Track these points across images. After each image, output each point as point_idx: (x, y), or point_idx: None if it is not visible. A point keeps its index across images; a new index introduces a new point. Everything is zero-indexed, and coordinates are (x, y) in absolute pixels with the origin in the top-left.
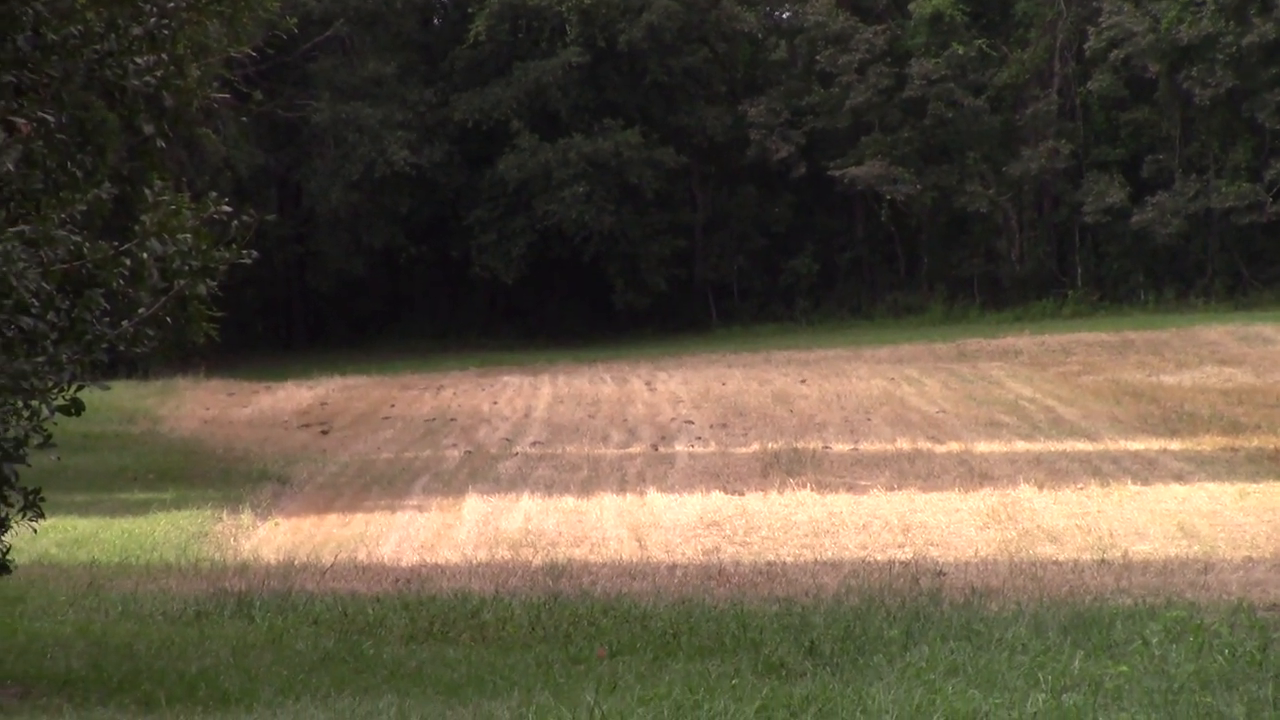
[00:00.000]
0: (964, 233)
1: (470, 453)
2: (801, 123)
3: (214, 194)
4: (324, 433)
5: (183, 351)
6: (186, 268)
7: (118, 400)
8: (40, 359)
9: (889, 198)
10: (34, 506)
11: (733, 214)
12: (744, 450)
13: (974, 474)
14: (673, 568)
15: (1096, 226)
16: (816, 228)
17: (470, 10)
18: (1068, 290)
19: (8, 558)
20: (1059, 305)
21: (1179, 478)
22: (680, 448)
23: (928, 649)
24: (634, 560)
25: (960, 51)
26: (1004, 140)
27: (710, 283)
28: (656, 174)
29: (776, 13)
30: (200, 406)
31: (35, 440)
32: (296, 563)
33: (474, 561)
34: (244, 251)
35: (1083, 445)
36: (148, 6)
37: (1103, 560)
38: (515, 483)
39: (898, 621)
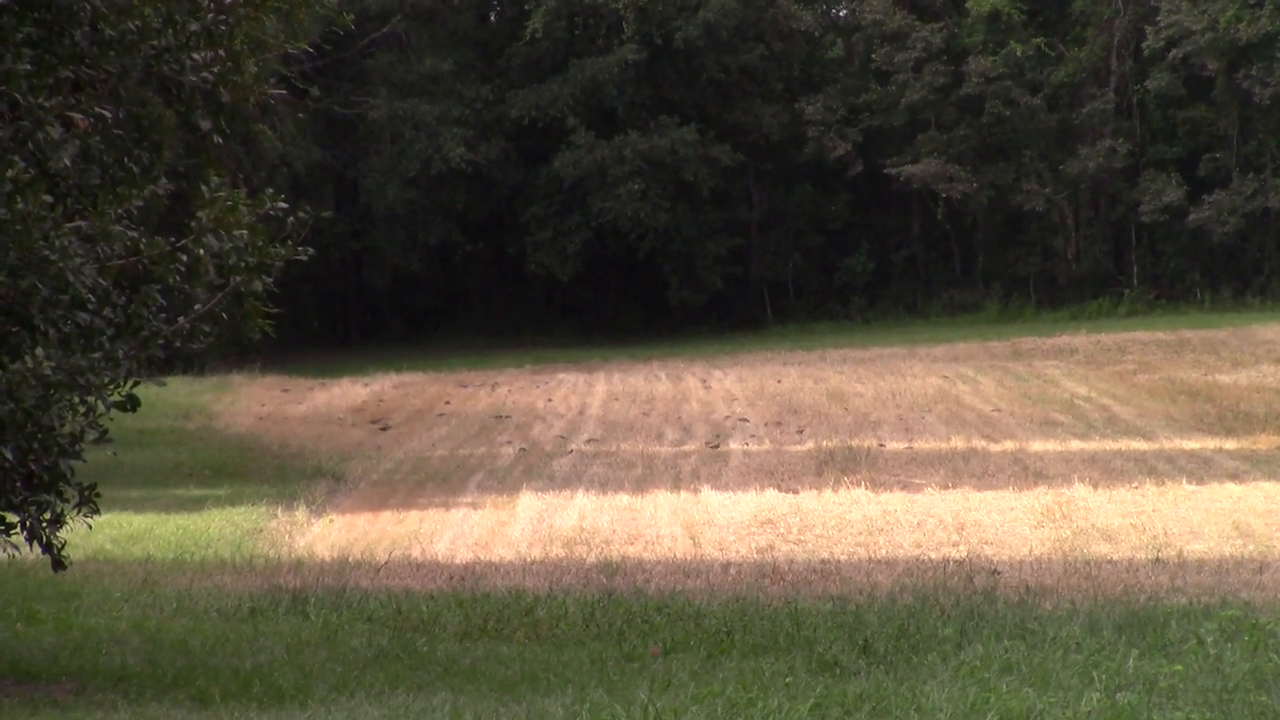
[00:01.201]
0: (1020, 231)
1: (525, 450)
2: (858, 120)
3: (270, 190)
4: (383, 429)
5: (238, 348)
6: (243, 264)
7: (173, 396)
8: (96, 355)
9: (945, 196)
10: (89, 502)
11: (789, 212)
12: (798, 448)
13: (1029, 472)
14: (727, 565)
15: (1153, 225)
16: (872, 226)
17: (527, 7)
18: (1124, 289)
19: (63, 553)
20: (1115, 304)
21: (1234, 477)
22: (735, 445)
23: (982, 647)
24: (688, 558)
25: (1017, 50)
26: (1060, 139)
27: (766, 280)
28: (712, 171)
29: (833, 10)
30: (255, 403)
31: (91, 436)
32: (351, 559)
33: (528, 559)
34: (300, 248)
35: (1138, 444)
36: (205, 2)
37: (1157, 559)
38: (570, 480)
39: (952, 620)
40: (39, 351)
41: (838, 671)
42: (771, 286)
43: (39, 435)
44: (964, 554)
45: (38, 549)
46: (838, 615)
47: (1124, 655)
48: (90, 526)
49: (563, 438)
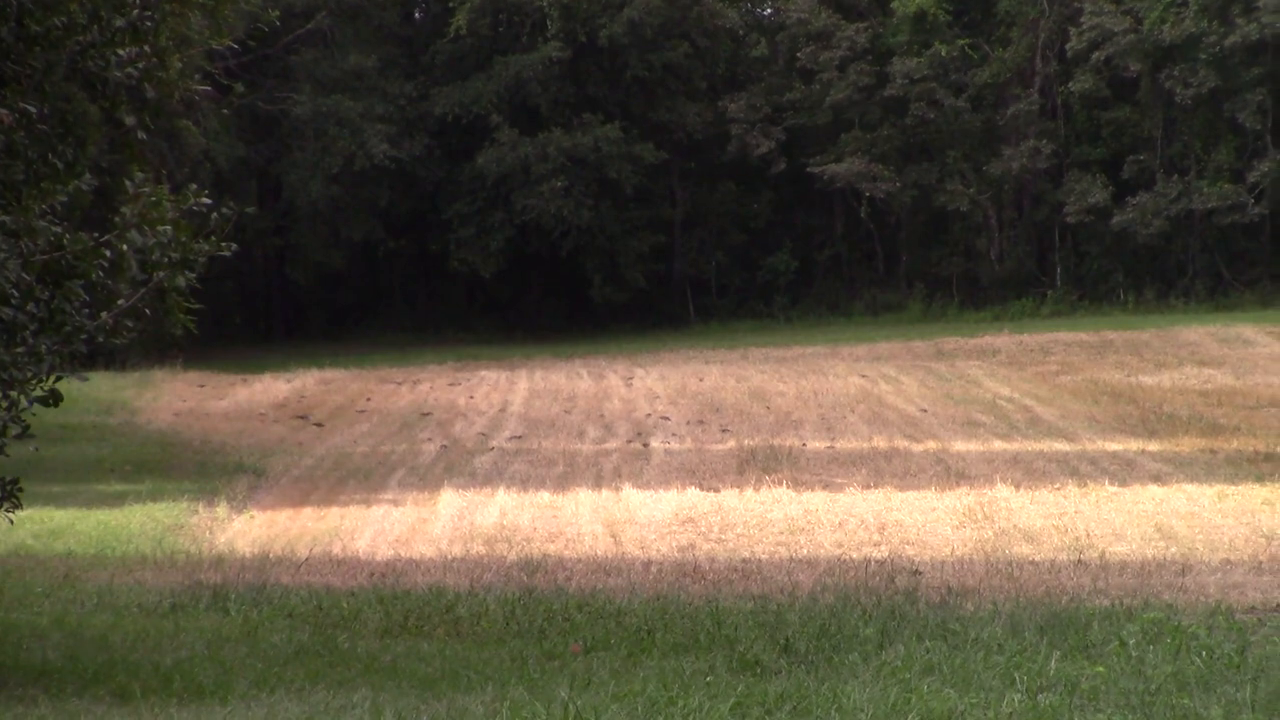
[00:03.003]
0: (943, 231)
1: (446, 447)
2: (781, 119)
3: (194, 186)
4: (317, 425)
5: (161, 343)
6: (166, 260)
7: (95, 391)
8: (19, 350)
9: (868, 195)
10: (11, 497)
11: (712, 210)
12: (720, 447)
13: (951, 473)
14: (648, 564)
15: (1077, 226)
16: (796, 225)
17: (451, 4)
18: (1047, 290)
19: None
20: (1038, 305)
21: (1157, 479)
22: (656, 444)
23: (903, 648)
24: (609, 556)
25: (942, 51)
26: (985, 139)
27: (689, 279)
28: (636, 169)
29: (758, 9)
30: (177, 398)
31: (13, 431)
32: (272, 556)
33: (449, 556)
34: (223, 244)
35: (1060, 445)
36: None
37: (1080, 561)
38: (491, 477)
39: (873, 620)
40: None
41: (759, 671)
42: (694, 284)
43: None
44: (886, 554)
45: None
46: (759, 614)
47: (1046, 657)
48: (11, 522)
49: (484, 435)
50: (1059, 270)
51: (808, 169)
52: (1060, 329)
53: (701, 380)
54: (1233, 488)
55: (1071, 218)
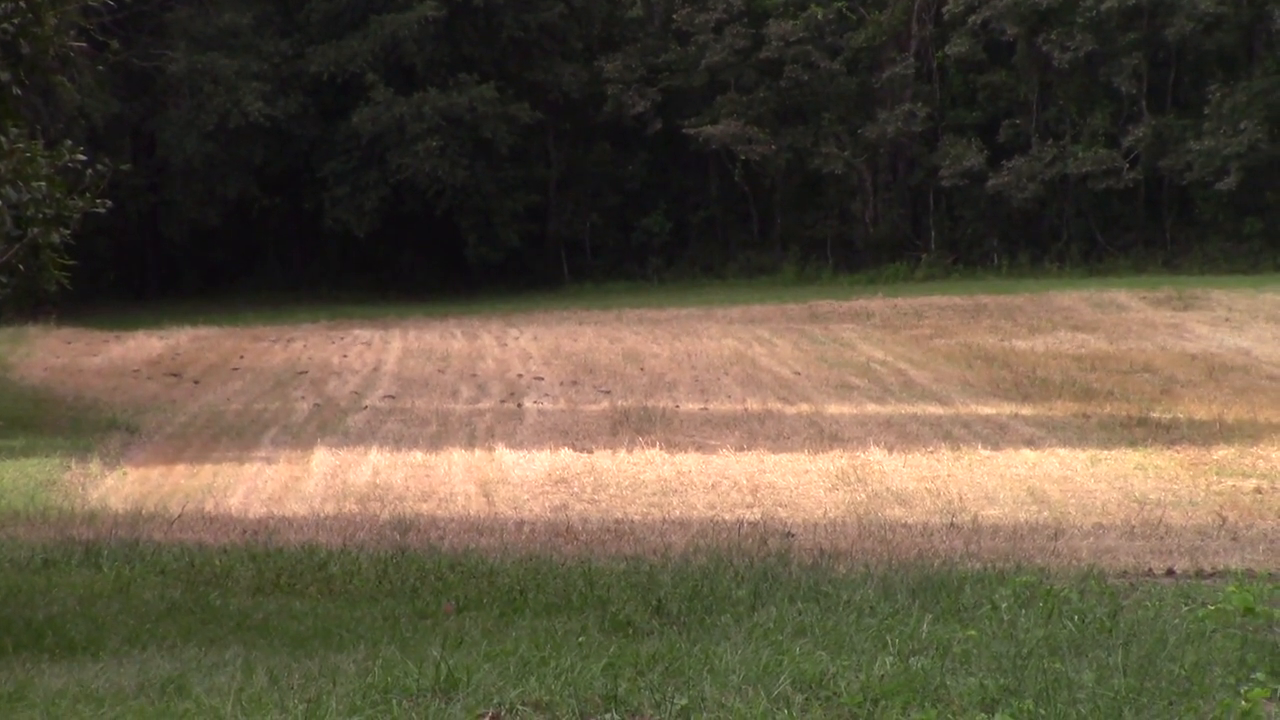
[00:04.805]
0: (818, 194)
1: (319, 406)
2: (657, 80)
3: (68, 142)
4: (194, 382)
5: (34, 299)
6: (40, 216)
7: None
8: None
9: (743, 157)
10: None
11: (587, 171)
12: (594, 408)
13: (824, 436)
14: (520, 524)
15: (952, 190)
16: (670, 186)
17: None
18: (921, 254)
19: None
20: (912, 269)
21: (1030, 443)
22: (530, 404)
23: (775, 610)
24: (482, 516)
25: (818, 13)
26: (860, 102)
27: (563, 239)
28: (511, 129)
29: None
30: (50, 355)
31: None
32: (144, 512)
33: (321, 515)
34: (97, 200)
35: (934, 409)
36: None
37: (952, 524)
38: (364, 436)
39: (746, 582)
40: None
41: (631, 631)
42: (569, 245)
43: None
44: (759, 516)
45: None
46: (631, 575)
47: (918, 620)
48: None
49: (357, 394)
50: (933, 234)
51: (683, 130)
52: (934, 293)
53: (575, 341)
54: (1106, 452)
55: (946, 181)
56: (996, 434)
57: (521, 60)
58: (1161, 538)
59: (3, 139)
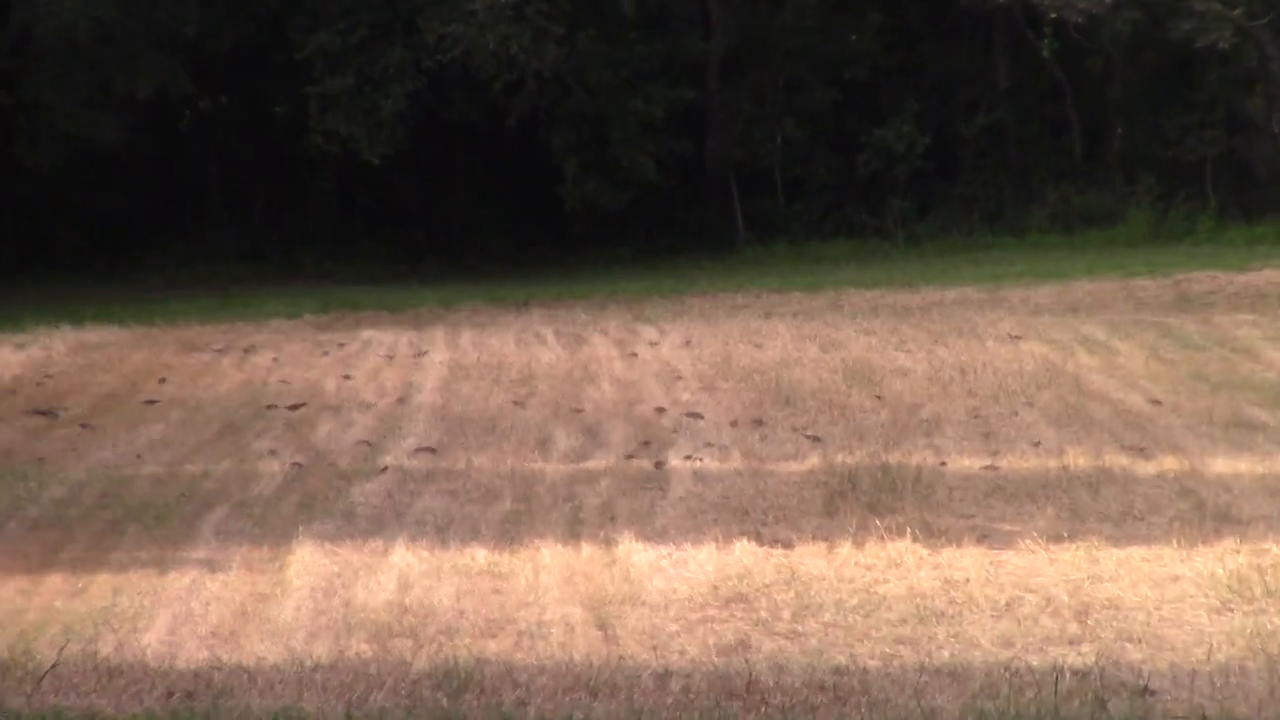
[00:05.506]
0: (1188, 85)
1: (302, 467)
2: None
3: None
4: (80, 426)
5: None
6: None
7: None
8: None
9: (1054, 18)
10: None
11: (775, 45)
12: (793, 467)
13: (1205, 513)
14: (665, 676)
15: None
16: (926, 71)
17: None
18: None
19: None
20: None
21: None
22: (679, 461)
23: None
24: (596, 662)
25: None
26: None
27: (734, 167)
28: None
29: None
30: None
31: None
32: None
33: (307, 661)
34: None
35: None
36: None
37: None
38: (383, 521)
39: None
40: None
41: None
42: (744, 179)
43: None
44: (1091, 659)
45: None
46: None
47: None
48: None
49: (371, 445)
50: None
51: None
52: None
53: (758, 346)
54: None
55: None
56: None
57: None
58: None
59: None
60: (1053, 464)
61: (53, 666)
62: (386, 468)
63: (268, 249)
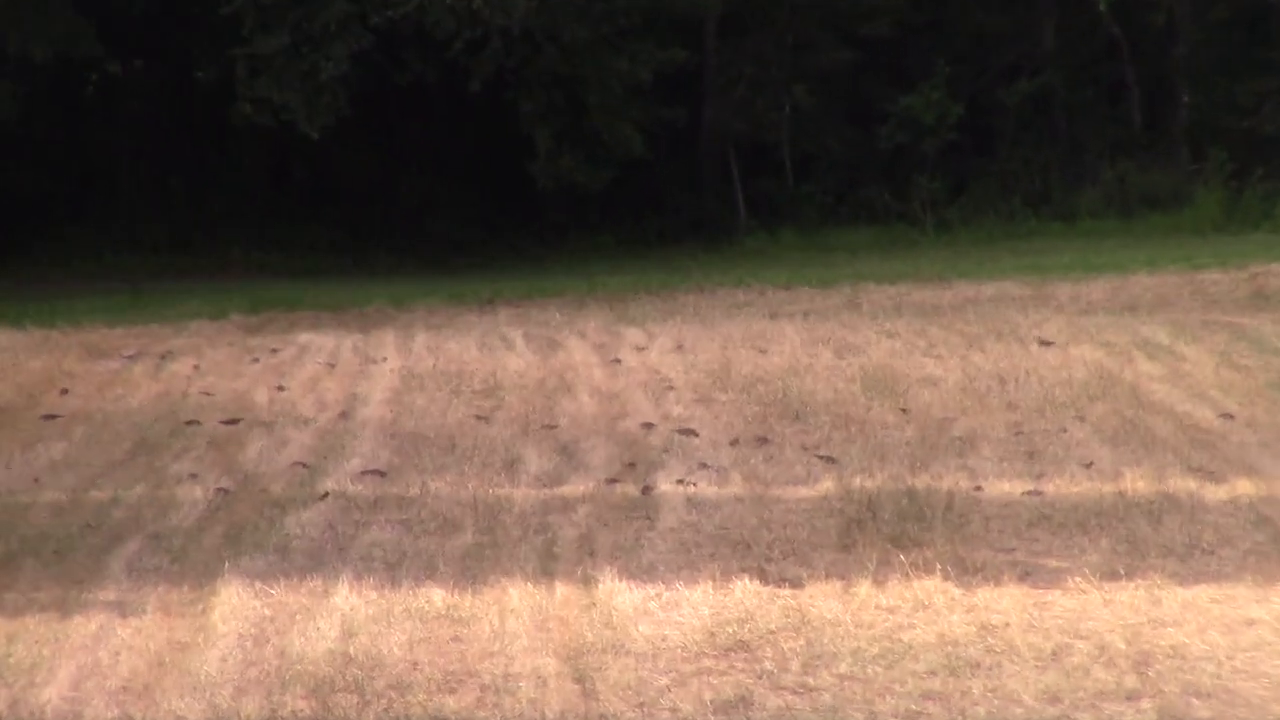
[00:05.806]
0: (1264, 43)
1: (228, 492)
2: None
3: None
4: None
5: None
6: None
7: None
8: None
9: None
10: None
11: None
12: (803, 492)
13: None
14: None
15: None
16: (952, 28)
17: None
18: None
19: None
20: None
21: None
22: (669, 486)
23: None
24: None
25: None
26: None
27: (733, 142)
28: None
29: None
30: None
31: None
32: None
33: (235, 718)
34: None
35: None
36: None
37: None
38: (323, 556)
39: None
40: None
41: None
42: (746, 155)
43: None
44: (1151, 716)
45: None
46: None
47: None
48: None
49: (309, 466)
50: None
51: None
52: None
53: (763, 352)
54: None
55: None
56: None
57: None
58: None
59: None
60: (1107, 489)
61: None
62: (327, 494)
63: (188, 238)
